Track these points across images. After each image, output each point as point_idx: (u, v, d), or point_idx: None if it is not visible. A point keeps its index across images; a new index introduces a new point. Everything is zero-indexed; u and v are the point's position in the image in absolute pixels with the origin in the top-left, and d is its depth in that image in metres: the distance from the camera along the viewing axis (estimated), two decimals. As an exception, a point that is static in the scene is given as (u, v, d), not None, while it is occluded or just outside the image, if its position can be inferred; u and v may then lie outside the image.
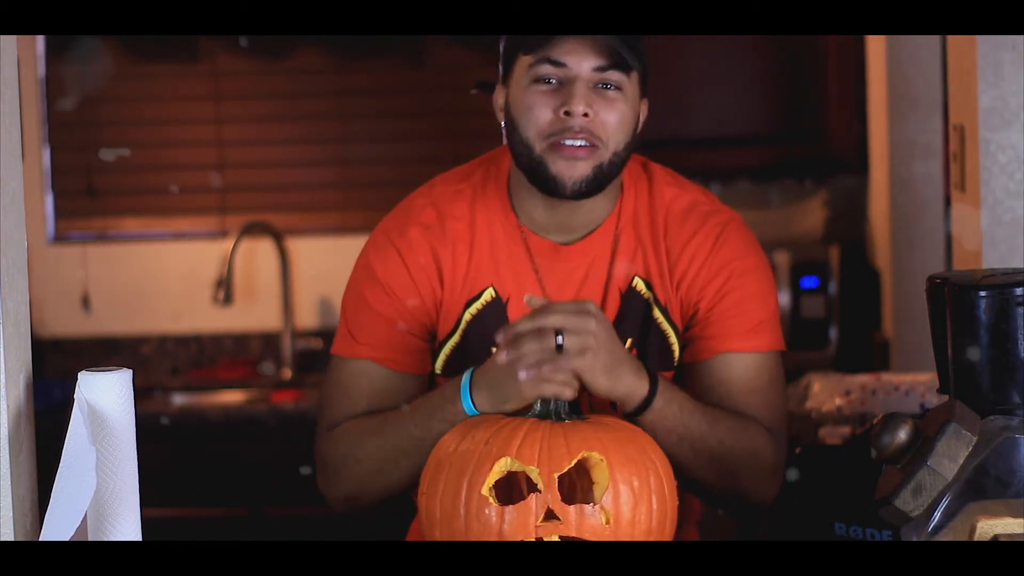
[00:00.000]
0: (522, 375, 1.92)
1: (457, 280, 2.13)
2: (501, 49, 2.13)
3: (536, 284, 2.13)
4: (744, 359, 2.13)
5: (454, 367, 2.11)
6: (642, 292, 2.13)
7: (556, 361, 1.92)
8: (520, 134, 2.06)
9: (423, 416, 2.05)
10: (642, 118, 2.12)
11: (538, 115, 2.03)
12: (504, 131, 2.12)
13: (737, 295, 2.13)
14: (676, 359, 2.16)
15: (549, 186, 2.06)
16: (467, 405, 2.00)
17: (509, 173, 2.16)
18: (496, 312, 2.12)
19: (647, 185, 2.18)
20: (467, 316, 2.13)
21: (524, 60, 2.05)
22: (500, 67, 2.14)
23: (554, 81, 2.03)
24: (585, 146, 2.02)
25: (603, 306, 2.12)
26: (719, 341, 2.13)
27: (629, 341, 2.12)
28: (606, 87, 2.03)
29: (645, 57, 2.07)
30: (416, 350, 2.15)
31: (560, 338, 1.92)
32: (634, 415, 2.01)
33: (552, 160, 2.03)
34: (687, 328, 2.16)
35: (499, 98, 2.13)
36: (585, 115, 2.01)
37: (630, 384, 1.99)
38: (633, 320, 2.12)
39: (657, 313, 2.14)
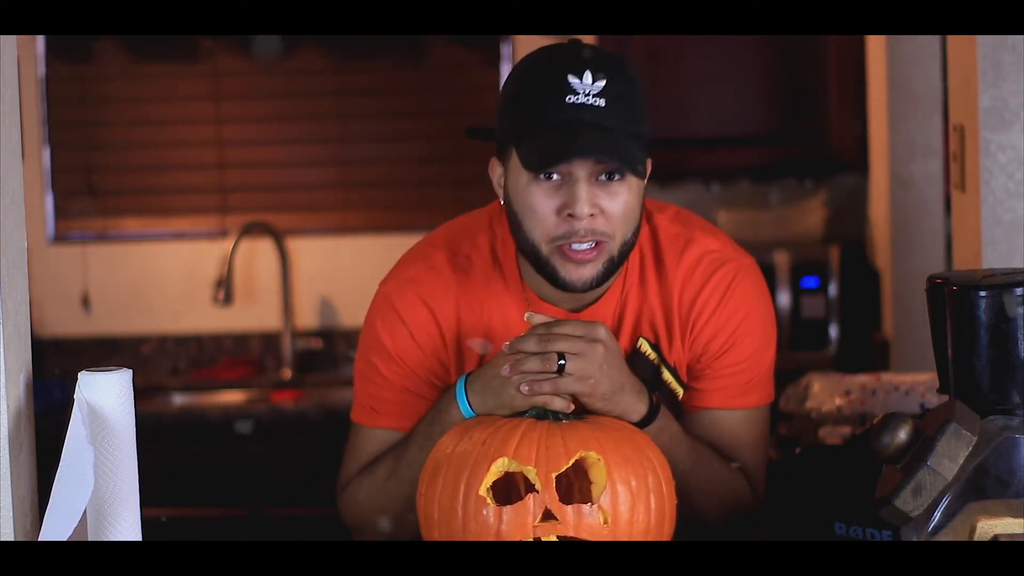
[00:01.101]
0: (524, 389, 1.92)
1: (473, 354, 2.12)
2: (498, 112, 2.03)
3: None
4: (731, 415, 2.13)
5: None
6: (647, 354, 2.11)
7: (556, 382, 1.92)
8: (524, 232, 2.00)
9: (423, 436, 2.05)
10: (648, 169, 2.03)
11: (542, 216, 1.97)
12: (504, 210, 2.06)
13: (736, 355, 2.11)
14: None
15: (559, 286, 2.01)
16: (464, 408, 2.00)
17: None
18: None
19: (651, 241, 2.13)
20: None
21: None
22: (496, 138, 2.05)
23: (556, 176, 1.96)
24: (593, 247, 1.97)
25: None
26: (709, 396, 2.13)
27: None
28: (609, 177, 1.97)
29: (646, 127, 2.00)
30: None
31: (563, 361, 1.91)
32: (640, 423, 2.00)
33: (561, 264, 1.98)
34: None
35: (495, 173, 2.06)
36: (591, 215, 1.96)
37: (627, 407, 1.98)
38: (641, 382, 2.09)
39: (667, 375, 2.12)
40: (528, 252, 2.02)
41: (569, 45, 2.01)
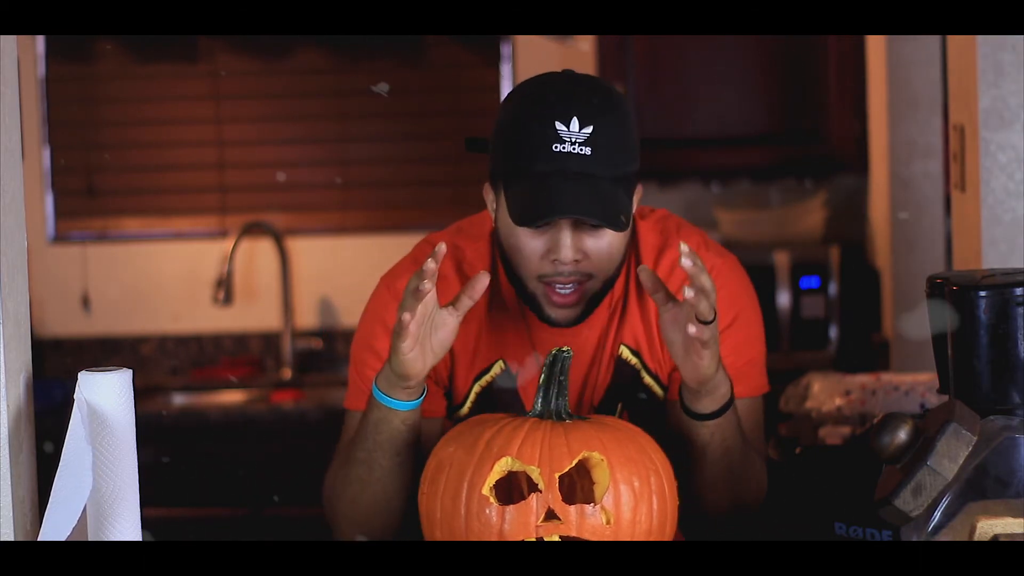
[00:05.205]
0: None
1: (467, 354, 2.12)
2: (492, 137, 2.04)
3: (536, 361, 2.11)
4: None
5: None
6: (628, 360, 2.12)
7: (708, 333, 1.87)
8: (512, 266, 2.04)
9: (362, 439, 2.03)
10: (637, 198, 2.05)
11: (527, 256, 2.01)
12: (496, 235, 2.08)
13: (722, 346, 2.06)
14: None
15: (543, 319, 2.05)
16: (380, 398, 1.98)
17: None
18: (507, 383, 2.13)
19: (633, 253, 2.12)
20: (476, 388, 2.13)
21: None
22: (490, 155, 2.05)
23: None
24: (575, 290, 2.01)
25: (600, 374, 2.11)
26: None
27: (620, 405, 2.12)
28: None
29: (635, 163, 2.00)
30: (431, 394, 2.11)
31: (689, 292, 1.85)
32: (712, 416, 1.99)
33: (545, 303, 2.03)
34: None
35: (488, 197, 2.08)
36: (575, 259, 1.98)
37: (724, 378, 1.97)
38: (622, 386, 2.11)
39: (647, 378, 2.13)
40: (516, 284, 2.06)
41: (560, 80, 2.01)
